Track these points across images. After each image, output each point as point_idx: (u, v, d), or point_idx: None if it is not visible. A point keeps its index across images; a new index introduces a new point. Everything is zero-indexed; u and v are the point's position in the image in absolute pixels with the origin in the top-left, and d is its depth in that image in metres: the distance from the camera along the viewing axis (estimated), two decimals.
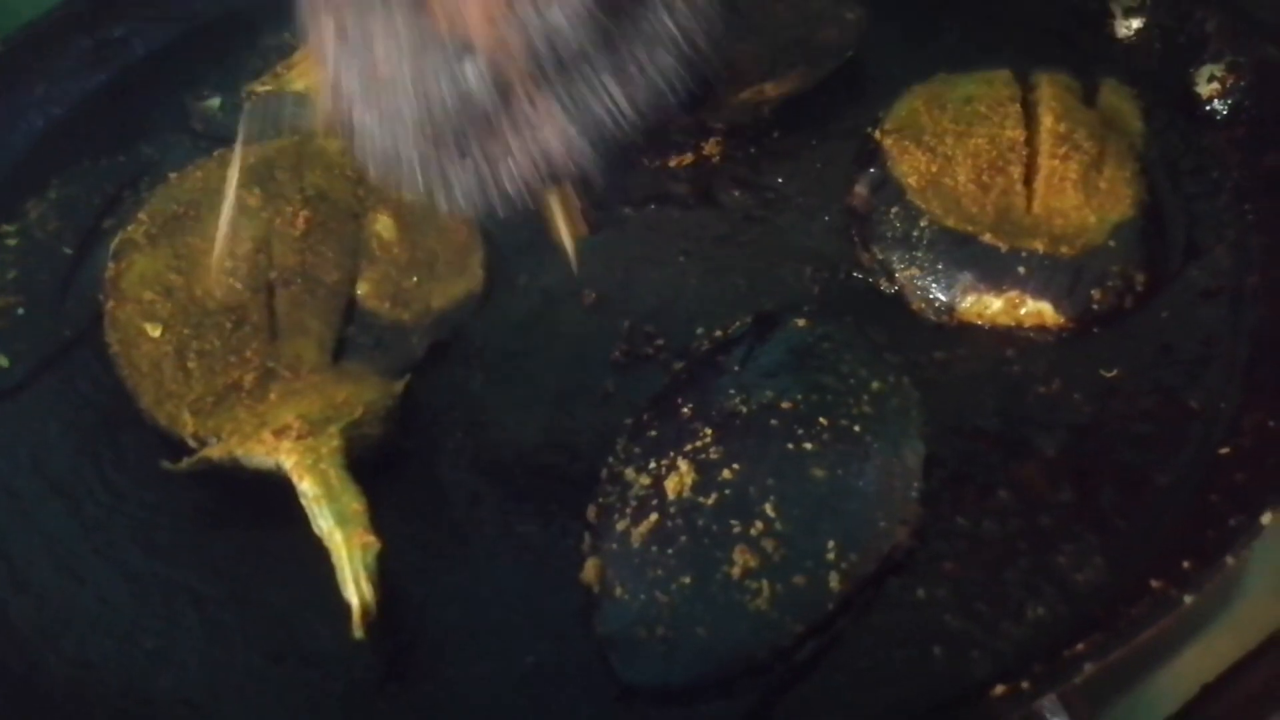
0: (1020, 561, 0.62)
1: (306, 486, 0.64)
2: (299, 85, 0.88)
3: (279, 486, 0.66)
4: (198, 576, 0.66)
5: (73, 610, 0.66)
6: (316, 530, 0.64)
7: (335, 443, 0.66)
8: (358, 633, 0.60)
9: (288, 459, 0.65)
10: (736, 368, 0.70)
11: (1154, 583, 0.55)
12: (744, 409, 0.67)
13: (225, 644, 0.63)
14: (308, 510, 0.64)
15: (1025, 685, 0.51)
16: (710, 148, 0.84)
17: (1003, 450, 0.67)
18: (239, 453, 0.67)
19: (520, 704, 0.60)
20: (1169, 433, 0.66)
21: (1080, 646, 0.52)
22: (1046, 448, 0.67)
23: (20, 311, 0.81)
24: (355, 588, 0.61)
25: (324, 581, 0.64)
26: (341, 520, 0.63)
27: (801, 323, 0.73)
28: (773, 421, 0.66)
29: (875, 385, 0.68)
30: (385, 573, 0.62)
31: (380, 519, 0.63)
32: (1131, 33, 0.90)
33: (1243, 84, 0.81)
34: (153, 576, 0.67)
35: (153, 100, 0.95)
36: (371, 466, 0.67)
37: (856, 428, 0.66)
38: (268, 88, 0.90)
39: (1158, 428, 0.67)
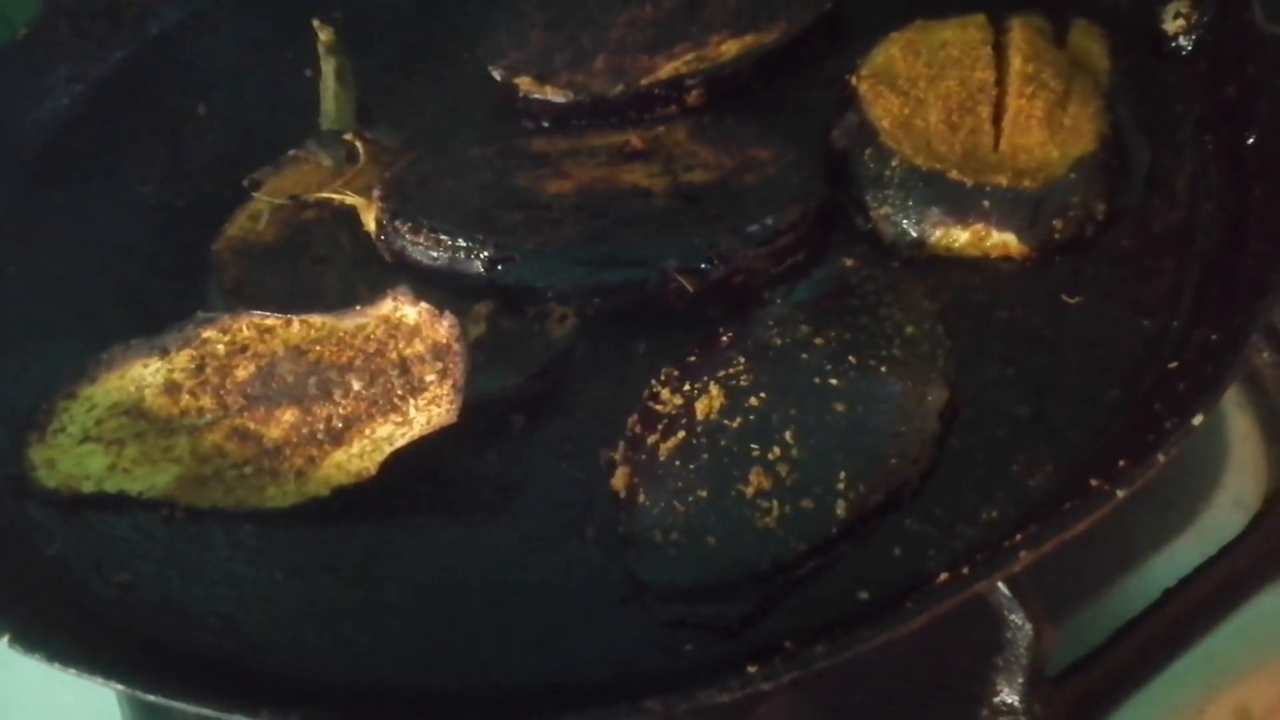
0: (977, 471, 0.66)
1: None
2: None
3: None
4: None
5: (113, 540, 0.72)
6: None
7: None
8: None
9: None
10: (779, 300, 0.74)
11: (1093, 481, 0.59)
12: (778, 341, 0.71)
13: (251, 563, 0.69)
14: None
15: (965, 571, 0.55)
16: (693, 99, 0.88)
17: (965, 371, 0.71)
18: None
19: (543, 589, 0.66)
20: (1123, 351, 0.70)
21: (1018, 537, 0.56)
22: (1007, 368, 0.71)
23: None
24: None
25: (338, 507, 0.70)
26: None
27: (849, 262, 0.76)
28: (803, 355, 0.70)
29: (909, 330, 0.71)
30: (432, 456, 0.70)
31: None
32: None
33: (1206, 19, 0.84)
34: (183, 506, 0.73)
35: (168, 78, 1.01)
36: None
37: (883, 369, 0.68)
38: None
39: (1113, 347, 0.71)
